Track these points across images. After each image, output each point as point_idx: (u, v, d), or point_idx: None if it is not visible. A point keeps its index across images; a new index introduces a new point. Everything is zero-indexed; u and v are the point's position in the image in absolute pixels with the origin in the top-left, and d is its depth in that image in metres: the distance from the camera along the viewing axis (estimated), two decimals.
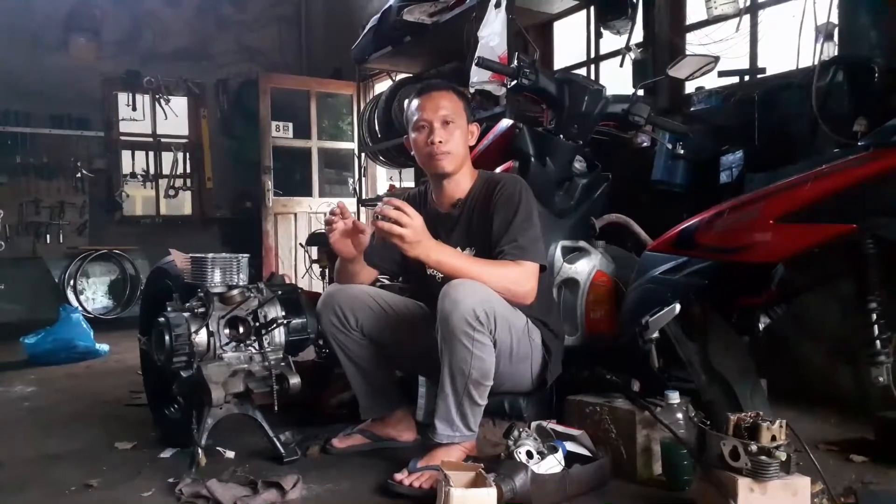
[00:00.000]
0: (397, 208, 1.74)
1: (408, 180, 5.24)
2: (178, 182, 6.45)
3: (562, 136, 2.37)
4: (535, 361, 1.98)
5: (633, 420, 1.83)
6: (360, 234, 1.98)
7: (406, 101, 2.20)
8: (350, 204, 5.60)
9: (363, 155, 5.09)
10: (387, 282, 2.62)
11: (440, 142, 1.97)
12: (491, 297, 1.80)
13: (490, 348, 1.81)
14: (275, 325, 2.05)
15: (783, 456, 1.45)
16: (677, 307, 1.81)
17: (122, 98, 6.20)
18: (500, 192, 1.97)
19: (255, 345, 2.06)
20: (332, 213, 1.96)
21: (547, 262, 2.08)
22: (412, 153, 2.08)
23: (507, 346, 1.87)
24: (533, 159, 2.36)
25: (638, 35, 3.24)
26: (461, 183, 2.06)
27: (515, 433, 1.78)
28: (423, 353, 2.05)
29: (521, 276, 1.87)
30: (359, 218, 5.29)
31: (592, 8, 3.63)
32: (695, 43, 3.13)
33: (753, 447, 1.44)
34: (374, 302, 2.08)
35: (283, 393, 1.97)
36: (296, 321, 2.15)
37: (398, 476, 1.79)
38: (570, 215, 2.37)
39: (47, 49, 5.83)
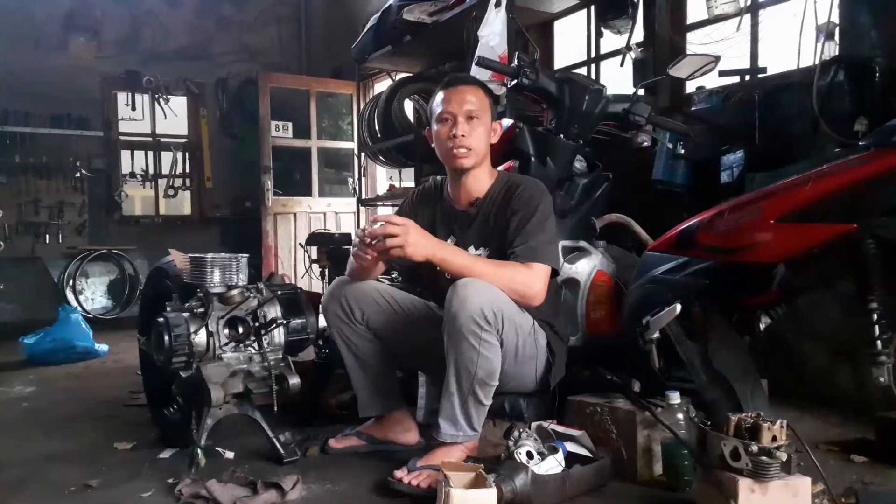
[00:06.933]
0: (382, 224, 1.76)
1: (408, 180, 5.24)
2: (178, 182, 6.45)
3: (562, 135, 2.36)
4: (540, 363, 1.98)
5: (633, 420, 1.82)
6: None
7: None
8: (350, 204, 5.61)
9: (363, 155, 5.08)
10: (387, 281, 2.61)
11: (462, 136, 1.95)
12: (499, 296, 1.80)
13: (497, 348, 1.80)
14: (274, 326, 2.05)
15: (784, 456, 1.44)
16: (678, 307, 1.80)
17: (122, 98, 6.20)
18: (520, 195, 1.96)
19: (255, 345, 2.06)
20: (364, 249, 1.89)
21: (560, 267, 2.07)
22: (432, 145, 2.07)
23: (512, 347, 1.86)
24: (533, 159, 2.36)
25: (638, 35, 3.23)
26: (480, 180, 2.04)
27: (516, 434, 1.78)
28: (428, 351, 2.04)
29: (529, 278, 1.86)
30: (358, 218, 5.31)
31: (593, 7, 3.63)
32: (695, 42, 3.13)
33: (754, 447, 1.44)
34: (382, 297, 2.07)
35: (282, 393, 1.97)
36: (295, 321, 2.15)
37: (398, 473, 1.79)
38: (570, 215, 2.37)
39: (47, 49, 5.83)
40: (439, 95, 2.03)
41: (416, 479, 1.76)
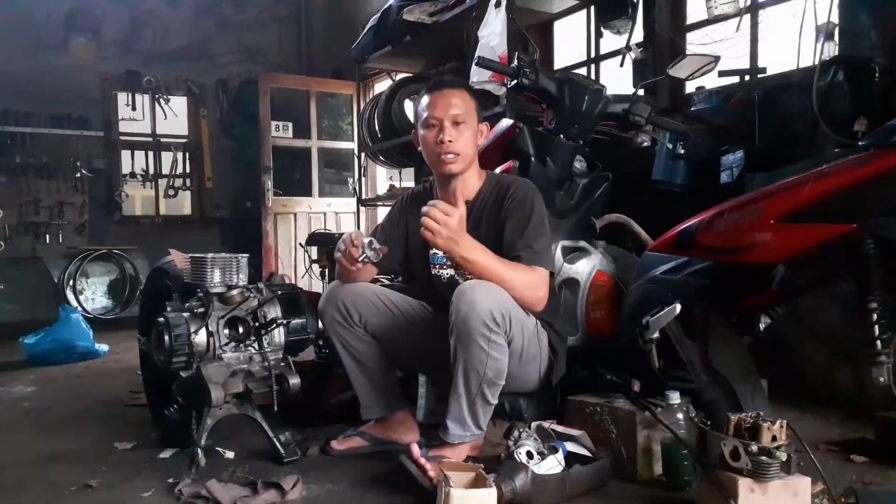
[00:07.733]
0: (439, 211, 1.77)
1: (408, 180, 5.24)
2: (178, 182, 6.44)
3: (562, 135, 2.36)
4: (543, 362, 1.99)
5: (633, 420, 1.82)
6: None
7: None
8: (350, 204, 5.61)
9: (363, 155, 5.09)
10: (386, 282, 2.61)
11: (450, 141, 1.95)
12: (506, 298, 1.80)
13: (505, 349, 1.81)
14: (274, 326, 2.05)
15: (784, 456, 1.44)
16: (678, 307, 1.80)
17: (122, 98, 6.20)
18: (513, 196, 1.96)
19: (255, 345, 2.06)
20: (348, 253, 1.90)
21: (555, 269, 2.07)
22: (419, 149, 2.07)
23: (518, 347, 1.87)
24: (533, 159, 2.36)
25: (638, 35, 3.23)
26: (469, 183, 2.04)
27: (516, 433, 1.78)
28: (427, 352, 2.04)
29: (538, 283, 1.87)
30: (358, 218, 5.31)
31: (592, 7, 3.63)
32: (695, 43, 3.13)
33: (754, 447, 1.44)
34: (379, 299, 2.07)
35: (282, 393, 1.97)
36: (295, 321, 2.15)
37: (415, 451, 1.76)
38: (570, 215, 2.37)
39: (47, 49, 5.82)
40: (424, 100, 2.02)
41: (427, 464, 1.73)
